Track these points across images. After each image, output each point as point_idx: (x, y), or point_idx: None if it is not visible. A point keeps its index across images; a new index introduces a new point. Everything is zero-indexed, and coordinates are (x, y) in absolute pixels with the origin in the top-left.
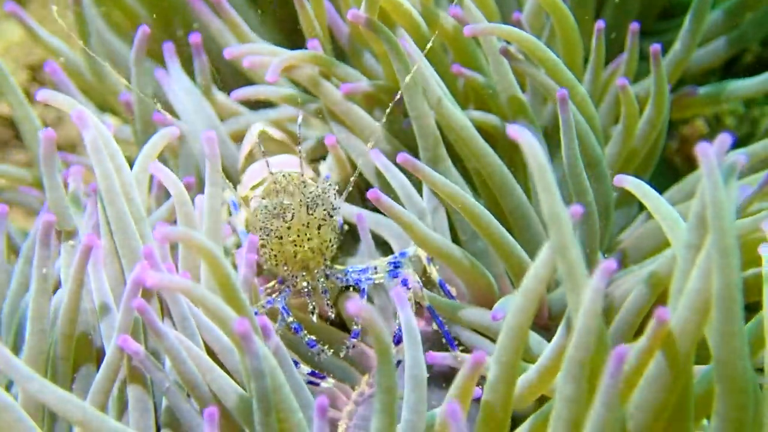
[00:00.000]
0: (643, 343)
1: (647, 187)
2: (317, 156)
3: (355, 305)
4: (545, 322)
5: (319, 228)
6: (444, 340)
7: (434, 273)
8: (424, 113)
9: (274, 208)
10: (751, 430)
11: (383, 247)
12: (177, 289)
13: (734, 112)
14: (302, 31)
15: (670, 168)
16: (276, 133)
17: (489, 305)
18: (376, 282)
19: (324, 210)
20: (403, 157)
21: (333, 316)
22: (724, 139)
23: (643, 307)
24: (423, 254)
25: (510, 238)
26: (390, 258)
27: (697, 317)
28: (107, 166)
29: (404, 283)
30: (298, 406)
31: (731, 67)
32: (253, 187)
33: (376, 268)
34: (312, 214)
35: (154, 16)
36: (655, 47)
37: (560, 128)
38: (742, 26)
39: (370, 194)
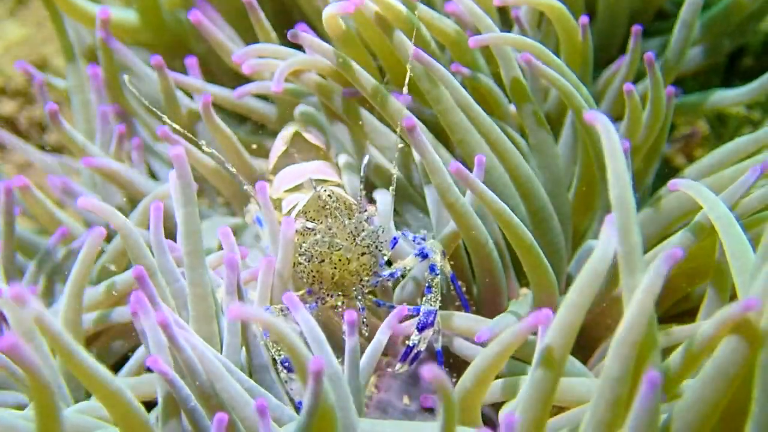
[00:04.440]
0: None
1: (704, 188)
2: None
3: (430, 372)
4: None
5: (361, 254)
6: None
7: (447, 267)
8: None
9: (324, 240)
10: None
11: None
12: (260, 322)
13: (736, 115)
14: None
15: (670, 168)
16: (310, 136)
17: (495, 302)
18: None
19: (371, 241)
20: (456, 166)
21: (367, 334)
22: None
23: None
24: (438, 248)
25: (541, 255)
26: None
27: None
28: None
29: (432, 269)
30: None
31: (732, 68)
32: (287, 191)
33: (405, 267)
34: (358, 244)
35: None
36: (648, 56)
37: None
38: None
39: (406, 122)
